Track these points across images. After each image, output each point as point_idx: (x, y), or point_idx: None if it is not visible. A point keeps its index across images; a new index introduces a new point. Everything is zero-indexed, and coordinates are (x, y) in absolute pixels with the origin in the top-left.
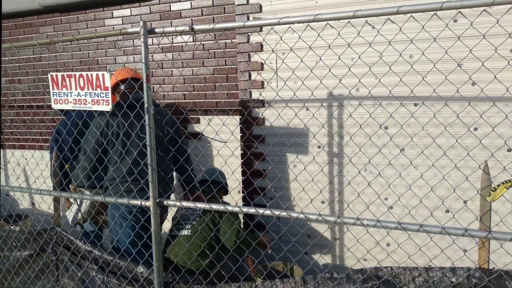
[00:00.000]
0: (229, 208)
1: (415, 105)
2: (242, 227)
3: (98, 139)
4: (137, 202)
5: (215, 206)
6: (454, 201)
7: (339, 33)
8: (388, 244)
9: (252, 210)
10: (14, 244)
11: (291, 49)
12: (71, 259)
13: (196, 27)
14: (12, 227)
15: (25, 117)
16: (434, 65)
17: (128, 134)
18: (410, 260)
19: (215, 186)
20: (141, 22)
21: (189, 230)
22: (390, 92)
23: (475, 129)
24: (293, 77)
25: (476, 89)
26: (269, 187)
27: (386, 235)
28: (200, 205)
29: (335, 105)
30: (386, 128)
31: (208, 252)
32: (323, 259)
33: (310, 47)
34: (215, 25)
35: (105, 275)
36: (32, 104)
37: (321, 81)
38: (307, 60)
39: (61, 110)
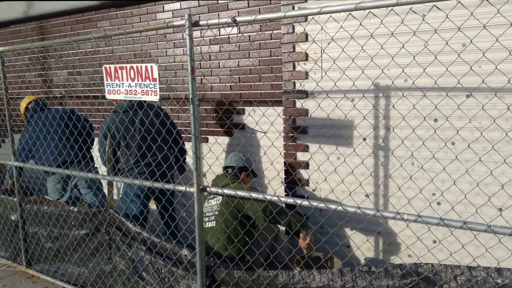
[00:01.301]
0: (268, 197)
1: (468, 96)
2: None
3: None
4: (182, 188)
5: (254, 195)
6: (508, 199)
7: (382, 22)
8: (434, 241)
9: (290, 200)
10: (73, 223)
11: (332, 38)
12: (122, 239)
13: (238, 18)
14: (71, 208)
15: (83, 107)
16: (483, 54)
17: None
18: (460, 259)
19: (239, 171)
20: (186, 15)
21: (214, 222)
22: (435, 82)
23: None
24: (338, 67)
25: None
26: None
27: (428, 231)
28: (241, 193)
29: (381, 96)
30: (435, 120)
31: (235, 239)
32: (365, 253)
33: (351, 37)
34: (256, 16)
35: (152, 256)
36: (89, 94)
37: (362, 71)
38: (350, 50)
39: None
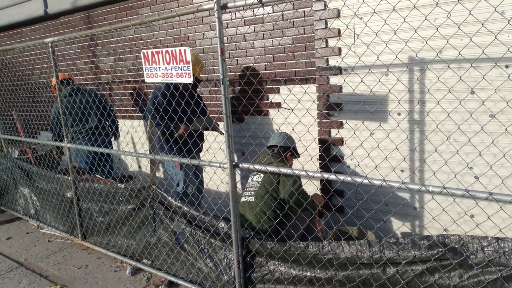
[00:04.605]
0: (310, 173)
1: (507, 67)
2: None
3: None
4: (216, 164)
5: (283, 170)
6: None
7: None
8: (472, 216)
9: (332, 176)
10: (121, 199)
11: (354, 14)
12: (165, 213)
13: None
14: (119, 185)
15: (131, 91)
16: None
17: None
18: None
19: (282, 150)
20: None
21: (253, 197)
22: (483, 52)
23: None
24: (372, 42)
25: None
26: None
27: (475, 205)
28: (270, 168)
29: (416, 70)
30: (472, 93)
31: (273, 216)
32: (402, 228)
33: (374, 11)
34: None
35: (192, 228)
36: (130, 79)
37: (406, 44)
38: (378, 25)
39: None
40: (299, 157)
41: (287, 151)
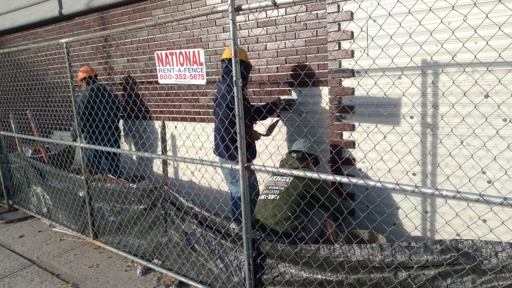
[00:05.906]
0: (323, 176)
1: None
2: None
3: None
4: (228, 165)
5: (309, 174)
6: None
7: None
8: (485, 220)
9: (345, 179)
10: (133, 199)
11: (369, 16)
12: (176, 214)
13: (278, 1)
14: (130, 185)
15: (139, 92)
16: None
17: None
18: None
19: (301, 155)
20: (229, 0)
21: (277, 196)
22: (499, 55)
23: None
24: (384, 45)
25: None
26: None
27: (489, 210)
28: (283, 170)
29: (430, 73)
30: (486, 96)
31: (292, 216)
32: (414, 232)
33: (389, 14)
34: None
35: (203, 229)
36: (143, 80)
37: (421, 47)
38: (391, 28)
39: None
40: (319, 164)
41: (310, 157)
